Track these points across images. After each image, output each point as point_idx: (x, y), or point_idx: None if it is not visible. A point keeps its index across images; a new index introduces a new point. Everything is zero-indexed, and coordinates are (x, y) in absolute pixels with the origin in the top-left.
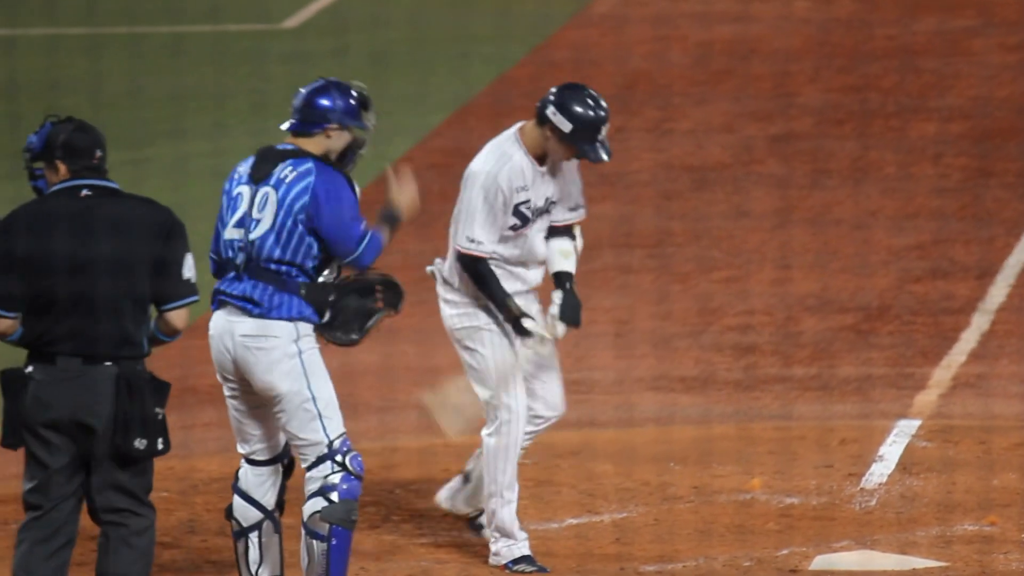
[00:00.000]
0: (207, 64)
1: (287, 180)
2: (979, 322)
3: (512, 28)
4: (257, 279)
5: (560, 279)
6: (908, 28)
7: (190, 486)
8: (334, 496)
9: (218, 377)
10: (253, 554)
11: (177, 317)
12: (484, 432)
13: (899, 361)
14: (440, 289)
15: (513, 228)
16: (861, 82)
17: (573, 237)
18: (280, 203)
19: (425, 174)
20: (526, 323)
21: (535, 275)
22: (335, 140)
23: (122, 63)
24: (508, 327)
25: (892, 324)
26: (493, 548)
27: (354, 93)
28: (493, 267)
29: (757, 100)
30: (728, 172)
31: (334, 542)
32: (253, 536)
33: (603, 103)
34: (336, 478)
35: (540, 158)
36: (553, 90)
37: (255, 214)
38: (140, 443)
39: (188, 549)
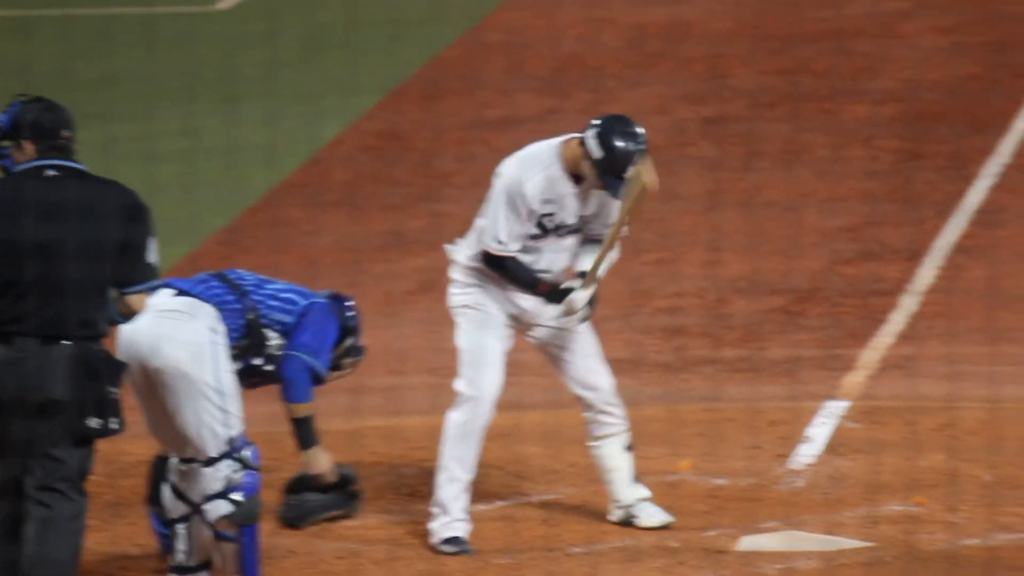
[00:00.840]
0: (138, 46)
1: (306, 288)
2: (908, 304)
3: (445, 10)
4: (213, 279)
5: (586, 276)
6: (840, 11)
7: (118, 469)
8: (238, 496)
9: (127, 380)
10: (181, 544)
11: (138, 300)
12: (450, 409)
13: (828, 343)
14: (451, 269)
15: (532, 237)
16: (793, 65)
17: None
18: (290, 283)
19: (358, 157)
20: (566, 285)
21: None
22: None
23: (52, 46)
24: (500, 308)
25: (822, 306)
26: (430, 525)
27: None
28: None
29: (690, 83)
30: (661, 155)
31: (245, 540)
32: (181, 527)
33: (641, 141)
34: (238, 476)
35: (577, 177)
36: (600, 118)
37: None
38: (94, 422)
39: (114, 533)
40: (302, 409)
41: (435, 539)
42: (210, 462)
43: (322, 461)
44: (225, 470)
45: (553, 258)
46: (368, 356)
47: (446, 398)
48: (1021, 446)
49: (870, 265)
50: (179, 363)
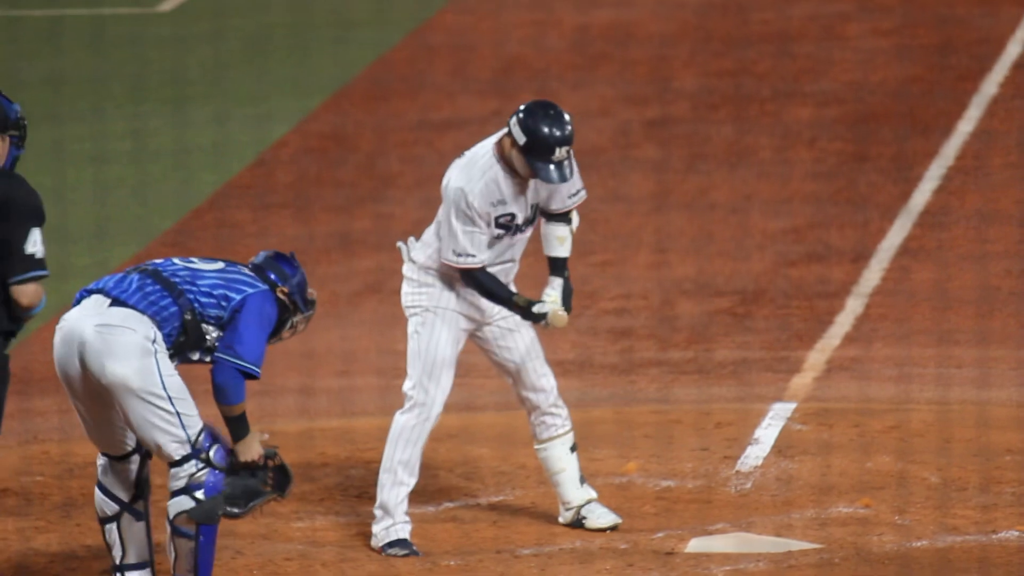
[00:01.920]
0: (84, 48)
1: (241, 270)
2: (853, 305)
3: (391, 12)
4: (148, 277)
5: (556, 265)
6: (783, 13)
7: (66, 470)
8: (200, 494)
9: (62, 383)
10: (115, 543)
11: (22, 292)
12: (399, 411)
13: (775, 345)
14: (404, 268)
15: (498, 237)
16: (737, 67)
17: (569, 221)
18: (223, 271)
19: (302, 159)
20: (537, 309)
21: (482, 310)
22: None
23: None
24: (455, 312)
25: (768, 308)
26: (374, 528)
27: (309, 288)
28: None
29: (634, 84)
30: (605, 156)
31: (202, 539)
32: (111, 527)
33: (566, 123)
34: (202, 475)
35: (516, 171)
36: (524, 106)
37: (196, 262)
38: None
39: (63, 534)
40: (236, 410)
41: (380, 543)
42: (174, 464)
43: (254, 448)
44: (190, 468)
45: (514, 251)
46: (316, 358)
47: (394, 399)
48: (968, 448)
49: (815, 267)
50: (126, 380)
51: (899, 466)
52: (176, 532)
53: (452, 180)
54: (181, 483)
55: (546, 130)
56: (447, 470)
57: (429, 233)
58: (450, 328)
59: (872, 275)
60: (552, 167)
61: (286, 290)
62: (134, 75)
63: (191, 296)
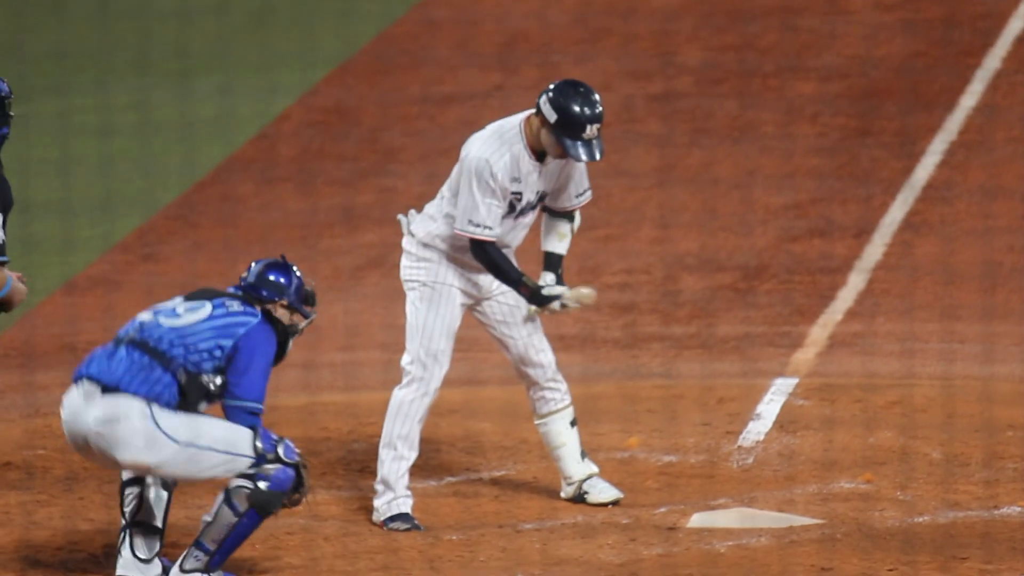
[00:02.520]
0: (88, 21)
1: (230, 308)
2: (856, 280)
3: None
4: (136, 349)
5: (552, 261)
6: None
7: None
8: (263, 485)
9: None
10: (131, 505)
11: None
12: (397, 386)
13: (777, 320)
14: (404, 241)
15: (502, 216)
16: (740, 41)
17: (572, 219)
18: (210, 317)
19: (305, 132)
20: (547, 291)
21: (481, 285)
22: (282, 315)
23: (3, 19)
24: (453, 287)
25: (770, 283)
26: (376, 503)
27: (307, 286)
28: (456, 253)
29: (637, 59)
30: (608, 131)
31: (245, 520)
32: (133, 489)
33: (596, 101)
34: (271, 468)
35: (539, 153)
36: (552, 85)
37: (179, 310)
38: None
39: (65, 507)
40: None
41: (382, 517)
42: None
43: None
44: (261, 465)
45: (513, 236)
46: (319, 331)
47: (397, 373)
48: (970, 423)
49: (818, 242)
50: (142, 462)
51: (901, 441)
52: (227, 500)
53: (475, 150)
54: (252, 470)
55: (577, 108)
56: (449, 444)
57: (432, 207)
58: (448, 303)
59: (875, 250)
60: (582, 145)
61: (285, 303)
62: (138, 47)
63: (181, 359)
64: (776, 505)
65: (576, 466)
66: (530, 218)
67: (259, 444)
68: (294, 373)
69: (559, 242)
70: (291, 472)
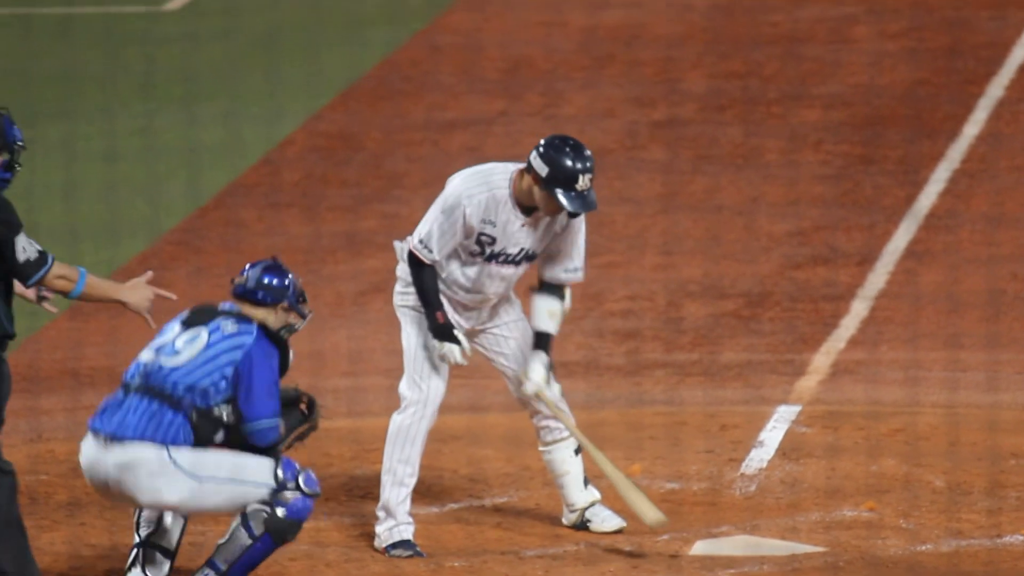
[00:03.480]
0: (93, 46)
1: (225, 331)
2: (859, 308)
3: (400, 11)
4: (144, 396)
5: (542, 340)
6: (791, 15)
7: (71, 469)
8: (281, 512)
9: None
10: (146, 525)
11: (49, 284)
12: (395, 412)
13: (780, 347)
14: (398, 268)
15: (471, 253)
16: (744, 68)
17: (562, 298)
18: (209, 345)
19: (308, 157)
20: (443, 349)
21: (472, 318)
22: (280, 317)
23: (8, 44)
24: (448, 311)
25: (773, 310)
26: (377, 529)
27: (295, 281)
28: (441, 287)
29: (641, 86)
30: (611, 158)
31: (258, 545)
32: (153, 511)
33: (587, 155)
34: (290, 496)
35: (526, 208)
36: (543, 140)
37: (178, 345)
38: None
39: (68, 532)
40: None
41: (384, 543)
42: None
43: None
44: (280, 491)
45: (488, 282)
46: (322, 358)
47: (400, 399)
48: (973, 451)
49: (821, 269)
50: (166, 503)
51: (904, 469)
52: (244, 521)
53: (457, 181)
54: (272, 497)
55: (568, 161)
56: (452, 471)
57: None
58: None
59: (878, 278)
60: (576, 196)
61: (285, 304)
62: (143, 73)
63: (190, 399)
64: (779, 533)
65: (579, 494)
66: (509, 271)
67: (279, 472)
68: None
69: (549, 320)
70: (310, 503)
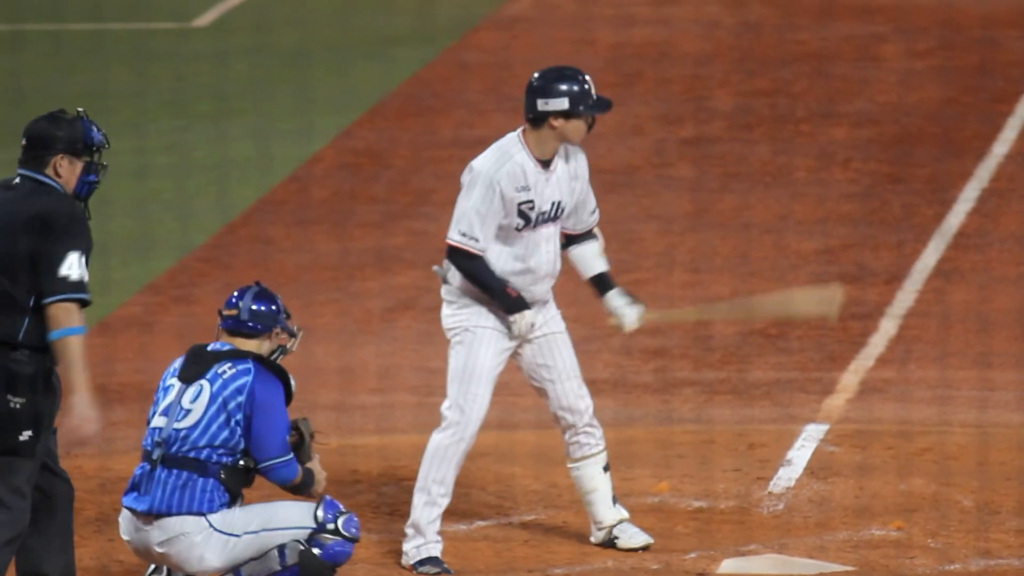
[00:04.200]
0: (123, 62)
1: (224, 376)
2: (887, 327)
3: (430, 29)
4: (171, 468)
5: (604, 281)
6: (819, 33)
7: (98, 485)
8: (317, 551)
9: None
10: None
11: (51, 314)
12: (435, 430)
13: (808, 365)
14: (442, 290)
15: (517, 229)
16: (772, 86)
17: (595, 237)
18: (214, 397)
19: (337, 174)
20: (518, 318)
21: (541, 289)
22: (273, 341)
23: (38, 61)
24: (495, 331)
25: (801, 329)
26: (405, 547)
27: (280, 302)
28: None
29: (669, 103)
30: (640, 175)
31: (285, 574)
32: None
33: (571, 67)
34: (329, 538)
35: (544, 162)
36: (530, 89)
37: (186, 404)
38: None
39: (96, 548)
40: (297, 480)
41: (411, 560)
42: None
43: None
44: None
45: (535, 253)
46: (350, 374)
47: (428, 417)
48: (1003, 471)
49: (849, 288)
50: (217, 565)
51: (933, 489)
52: (279, 547)
53: (477, 165)
54: (306, 536)
55: (573, 82)
56: (480, 488)
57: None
58: (489, 348)
59: (906, 296)
60: (598, 100)
61: (279, 329)
62: (172, 89)
63: (215, 457)
64: (807, 552)
65: (607, 511)
66: (550, 230)
67: (320, 513)
68: (325, 415)
69: (599, 259)
70: (349, 548)
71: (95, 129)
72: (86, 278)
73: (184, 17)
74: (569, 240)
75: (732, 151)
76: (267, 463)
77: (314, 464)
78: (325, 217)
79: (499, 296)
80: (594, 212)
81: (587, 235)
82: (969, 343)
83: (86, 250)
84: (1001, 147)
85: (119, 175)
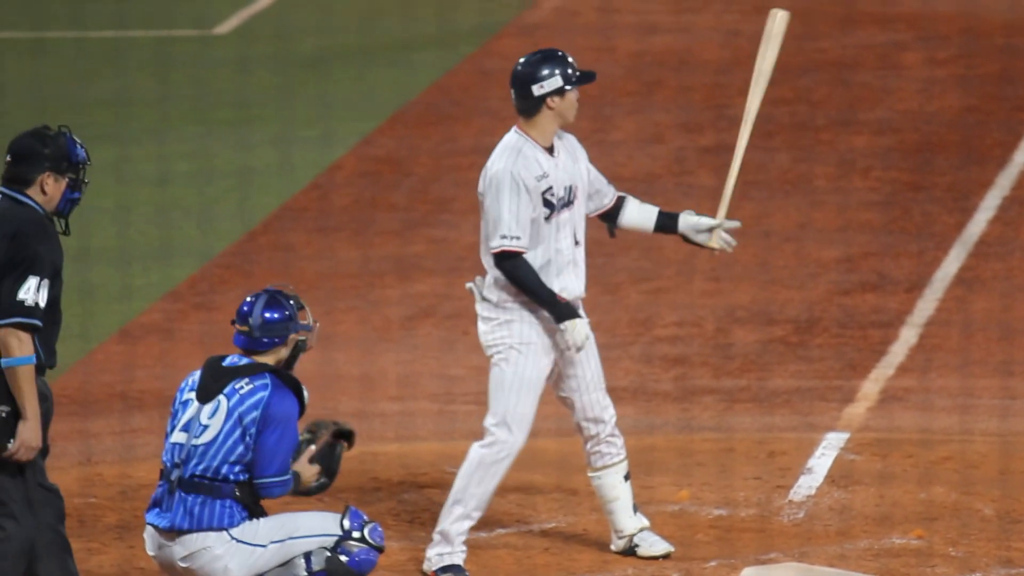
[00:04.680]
0: (145, 69)
1: (241, 391)
2: (908, 335)
3: (452, 36)
4: (189, 493)
5: (666, 216)
6: (840, 41)
7: (120, 492)
8: (344, 558)
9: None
10: None
11: (2, 338)
12: (477, 443)
13: (829, 374)
14: (478, 307)
15: (546, 219)
16: (792, 94)
17: (628, 197)
18: (231, 412)
19: (358, 182)
20: (568, 325)
21: (570, 281)
22: (288, 348)
23: (60, 68)
24: (539, 346)
25: (822, 336)
26: (429, 552)
27: (291, 300)
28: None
29: (689, 111)
30: (660, 183)
31: None
32: None
33: (547, 48)
34: (355, 546)
35: (548, 148)
36: (518, 80)
37: (204, 419)
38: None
39: (117, 556)
40: (292, 491)
41: (434, 567)
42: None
43: (310, 470)
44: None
45: (561, 238)
46: (370, 382)
47: (448, 424)
48: (1023, 479)
49: (870, 296)
50: (244, 574)
51: (954, 497)
52: (306, 553)
53: (497, 166)
54: (333, 543)
55: (558, 61)
56: (500, 496)
57: (488, 268)
58: (535, 363)
59: (927, 305)
60: (581, 72)
61: (294, 334)
62: (193, 97)
63: (232, 474)
64: (828, 560)
65: (628, 520)
66: (568, 214)
67: (346, 522)
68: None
69: (645, 207)
70: (374, 556)
71: (78, 146)
72: (42, 303)
73: (206, 24)
74: (609, 217)
75: (752, 159)
76: (264, 480)
77: (300, 464)
78: (345, 224)
79: (548, 303)
80: (611, 184)
81: (620, 202)
82: (990, 351)
83: (50, 275)
84: (1022, 155)
85: (140, 182)
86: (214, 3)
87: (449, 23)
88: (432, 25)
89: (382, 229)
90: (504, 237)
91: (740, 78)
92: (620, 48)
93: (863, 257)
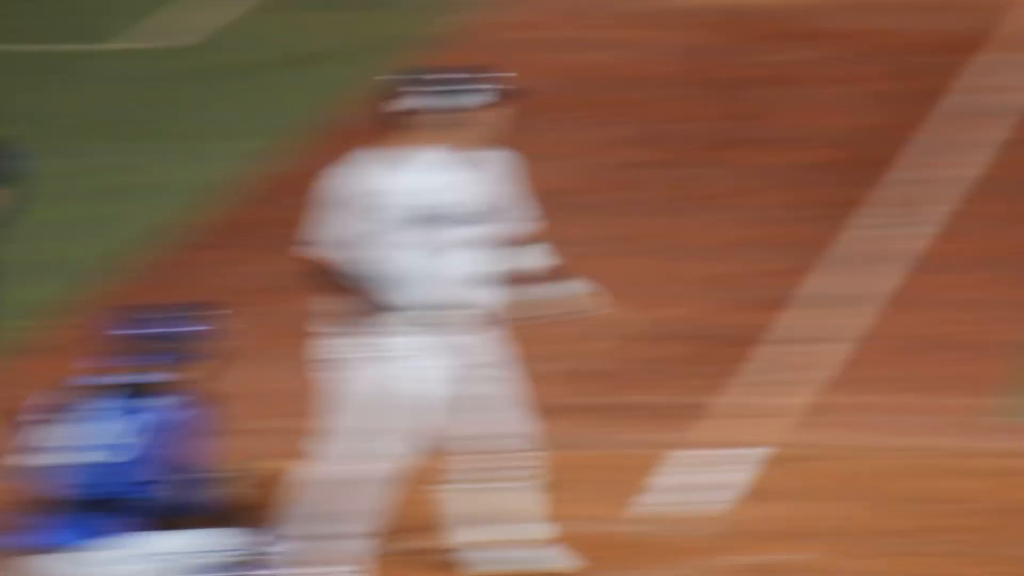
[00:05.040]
0: (61, 84)
1: (139, 409)
2: (824, 351)
3: (363, 48)
4: (90, 511)
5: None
6: (768, 59)
7: None
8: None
9: None
10: None
11: None
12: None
13: (697, 390)
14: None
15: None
16: (723, 110)
17: None
18: (128, 431)
19: (268, 197)
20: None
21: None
22: (183, 367)
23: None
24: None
25: (722, 352)
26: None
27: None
28: None
29: (620, 127)
30: (567, 199)
31: None
32: None
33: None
34: (262, 562)
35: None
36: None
37: (103, 439)
38: None
39: None
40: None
41: None
42: None
43: None
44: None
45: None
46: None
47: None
48: (910, 495)
49: (750, 313)
50: None
51: (838, 512)
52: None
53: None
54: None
55: (406, 78)
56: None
57: None
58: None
59: (808, 322)
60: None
61: (182, 354)
62: (95, 111)
63: (130, 495)
64: None
65: (477, 537)
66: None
67: (251, 539)
68: (250, 440)
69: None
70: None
71: (18, 156)
72: None
73: (99, 39)
74: None
75: (671, 175)
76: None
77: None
78: (252, 241)
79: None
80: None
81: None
82: (882, 367)
83: None
84: (921, 171)
85: (45, 197)
86: (119, 17)
87: (356, 36)
88: (341, 39)
89: (263, 246)
90: None
91: (676, 92)
92: (552, 62)
93: (748, 275)
